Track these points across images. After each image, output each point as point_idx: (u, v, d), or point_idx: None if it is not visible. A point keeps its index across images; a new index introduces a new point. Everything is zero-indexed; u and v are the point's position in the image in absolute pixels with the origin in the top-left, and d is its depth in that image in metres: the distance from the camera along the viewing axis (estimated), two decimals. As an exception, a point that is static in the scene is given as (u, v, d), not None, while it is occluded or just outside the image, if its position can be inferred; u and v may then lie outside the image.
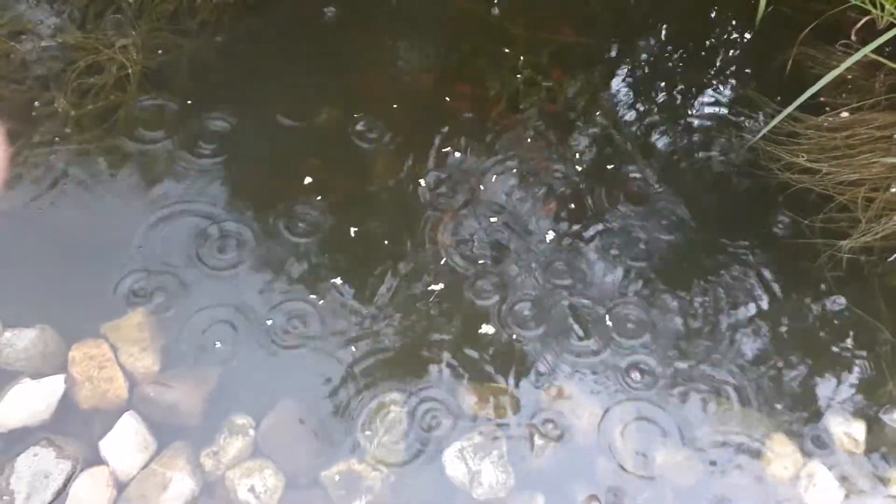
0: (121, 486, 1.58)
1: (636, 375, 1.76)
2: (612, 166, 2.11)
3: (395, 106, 2.20)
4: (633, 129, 2.19)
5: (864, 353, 1.80)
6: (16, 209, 1.92)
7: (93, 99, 2.14)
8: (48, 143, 2.05)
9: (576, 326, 1.83)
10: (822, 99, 2.20)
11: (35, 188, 1.97)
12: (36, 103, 2.12)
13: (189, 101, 2.16)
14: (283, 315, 1.81)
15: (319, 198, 2.00)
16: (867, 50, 1.78)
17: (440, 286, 1.87)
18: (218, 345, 1.76)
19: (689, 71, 2.34)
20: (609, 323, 1.83)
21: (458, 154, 2.10)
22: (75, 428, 1.64)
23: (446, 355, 1.77)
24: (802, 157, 2.06)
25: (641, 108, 2.24)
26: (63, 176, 2.00)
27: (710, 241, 1.99)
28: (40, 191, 1.96)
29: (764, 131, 2.10)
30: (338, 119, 2.16)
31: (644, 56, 2.37)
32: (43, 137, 2.06)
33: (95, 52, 2.21)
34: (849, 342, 1.82)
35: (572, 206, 2.03)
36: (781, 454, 1.67)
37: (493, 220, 1.99)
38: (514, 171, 2.09)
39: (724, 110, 2.24)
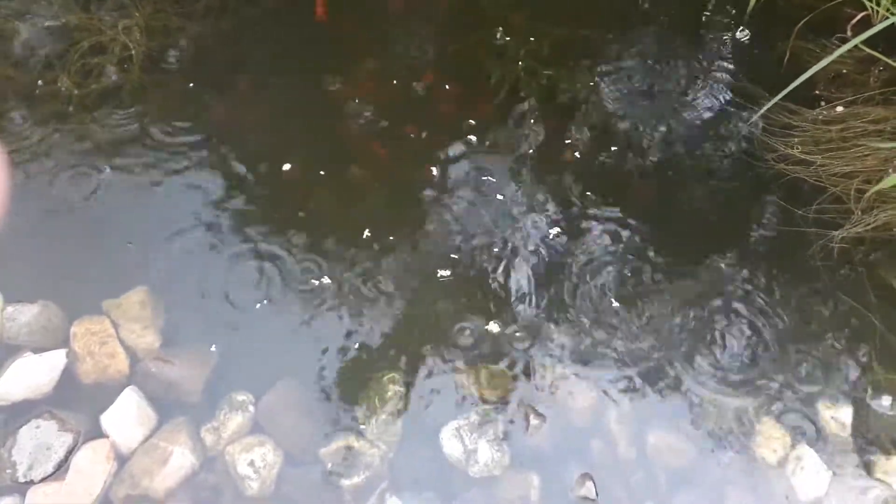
0: (122, 459, 1.61)
1: (630, 360, 1.79)
2: (608, 156, 2.14)
3: (394, 82, 2.22)
4: (630, 119, 2.21)
5: (853, 341, 1.83)
6: (18, 186, 1.93)
7: (96, 79, 2.15)
8: (51, 122, 2.06)
9: (575, 313, 1.86)
10: (817, 92, 2.24)
11: (37, 166, 1.98)
12: (39, 82, 2.13)
13: (191, 84, 2.18)
14: (283, 293, 1.83)
15: (318, 185, 2.03)
16: (858, 41, 1.81)
17: (447, 272, 1.89)
18: (219, 324, 1.78)
19: (686, 62, 2.36)
20: (605, 309, 1.86)
21: (469, 139, 2.13)
22: (77, 402, 1.67)
23: (446, 337, 1.79)
24: (797, 148, 2.10)
25: (638, 99, 2.26)
26: (65, 154, 2.01)
27: (703, 228, 2.02)
28: (42, 169, 1.98)
29: (755, 118, 2.14)
30: (340, 103, 2.18)
31: (642, 47, 2.39)
32: (46, 116, 2.07)
33: (98, 33, 2.22)
34: (838, 329, 1.85)
35: (571, 196, 2.06)
36: (770, 437, 1.70)
37: (494, 200, 2.02)
38: (511, 161, 2.11)
39: (721, 102, 2.26)
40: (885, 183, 1.90)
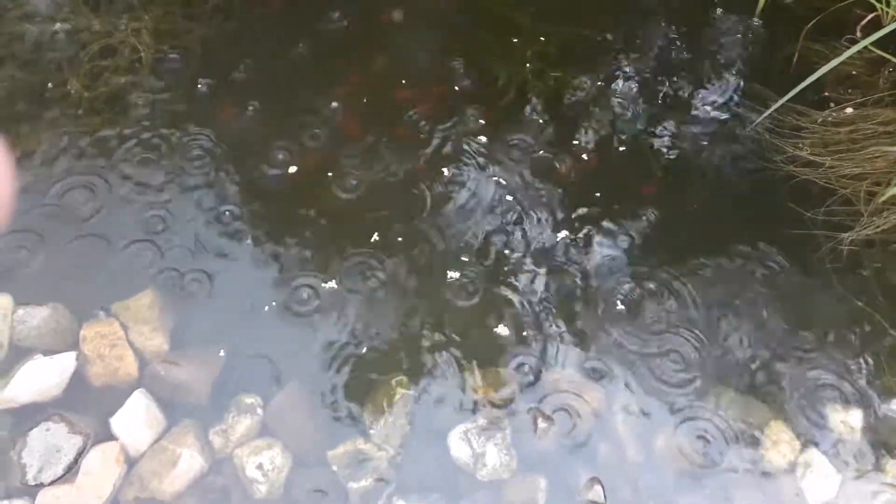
0: (131, 462, 1.61)
1: (637, 364, 1.79)
2: (616, 157, 2.13)
3: (402, 81, 2.22)
4: (638, 120, 2.21)
5: (863, 343, 1.83)
6: (27, 189, 1.94)
7: (105, 82, 2.16)
8: (60, 125, 2.07)
9: (583, 316, 1.85)
10: (826, 94, 2.23)
11: (47, 168, 1.99)
12: (49, 85, 2.14)
13: (199, 86, 2.18)
14: (292, 296, 1.83)
15: (326, 188, 2.03)
16: (867, 42, 1.80)
17: (456, 275, 1.89)
18: (227, 327, 1.79)
19: (694, 63, 2.36)
20: (612, 311, 1.86)
21: (479, 139, 2.13)
22: (86, 404, 1.67)
23: (454, 339, 1.79)
24: (806, 150, 2.09)
25: (646, 100, 2.26)
26: (75, 157, 2.02)
27: (712, 230, 2.01)
28: (52, 171, 1.99)
29: (760, 119, 2.14)
30: (346, 105, 2.18)
31: (649, 48, 2.38)
32: (55, 118, 2.08)
33: (108, 36, 2.23)
34: (847, 332, 1.84)
35: (579, 197, 2.06)
36: (779, 441, 1.70)
37: (504, 202, 2.02)
38: (520, 161, 2.11)
39: (730, 103, 2.26)
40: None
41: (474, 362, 1.76)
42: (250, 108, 2.16)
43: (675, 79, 2.32)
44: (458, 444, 1.66)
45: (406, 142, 2.13)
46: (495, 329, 1.81)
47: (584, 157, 2.13)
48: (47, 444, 1.60)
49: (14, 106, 2.10)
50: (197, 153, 2.06)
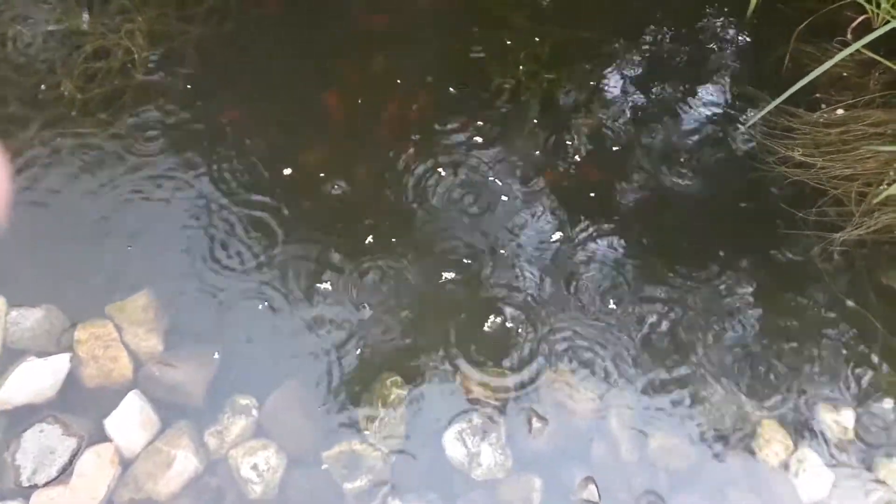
0: (125, 463, 1.61)
1: (631, 363, 1.80)
2: (610, 158, 2.14)
3: (398, 81, 2.23)
4: (631, 121, 2.22)
5: (855, 343, 1.84)
6: (21, 191, 1.94)
7: (99, 83, 2.15)
8: (54, 127, 2.06)
9: (576, 316, 1.86)
10: (817, 95, 2.24)
11: (41, 170, 1.99)
12: (42, 86, 2.13)
13: (193, 88, 2.18)
14: (286, 297, 1.83)
15: (326, 187, 2.03)
16: (859, 45, 1.82)
17: (451, 275, 1.90)
18: (222, 328, 1.79)
19: (687, 66, 2.37)
20: (606, 311, 1.87)
21: (474, 141, 2.14)
22: (81, 406, 1.67)
23: (449, 340, 1.80)
24: (798, 151, 2.10)
25: (639, 101, 2.27)
26: (68, 158, 2.02)
27: (705, 230, 2.02)
28: (47, 173, 1.98)
29: (753, 120, 2.15)
30: (342, 106, 2.18)
31: (642, 50, 2.39)
32: (49, 120, 2.08)
33: (102, 37, 2.23)
34: (839, 332, 1.86)
35: (573, 198, 2.06)
36: (772, 440, 1.71)
37: (498, 202, 2.02)
38: (514, 163, 2.12)
39: (722, 105, 2.27)
40: (893, 190, 1.90)
41: (468, 362, 1.77)
42: (245, 109, 2.16)
43: (667, 81, 2.33)
44: (453, 444, 1.66)
45: (402, 143, 2.13)
46: (489, 329, 1.82)
47: (578, 158, 2.14)
48: (41, 446, 1.60)
49: (7, 108, 2.09)
50: (191, 155, 2.05)
